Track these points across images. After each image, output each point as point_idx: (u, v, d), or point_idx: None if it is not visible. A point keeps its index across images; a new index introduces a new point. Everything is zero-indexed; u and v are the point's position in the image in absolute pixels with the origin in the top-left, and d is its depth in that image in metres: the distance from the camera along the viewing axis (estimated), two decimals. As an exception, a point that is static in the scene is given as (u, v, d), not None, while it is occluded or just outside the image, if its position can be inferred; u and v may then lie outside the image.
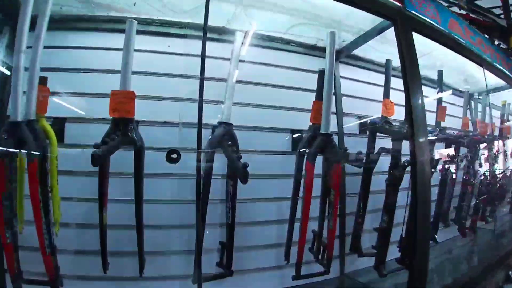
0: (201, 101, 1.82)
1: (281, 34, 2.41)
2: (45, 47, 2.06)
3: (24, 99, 1.75)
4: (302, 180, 2.12)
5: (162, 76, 2.17)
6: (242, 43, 2.10)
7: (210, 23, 1.97)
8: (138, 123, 2.00)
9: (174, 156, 1.66)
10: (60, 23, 2.12)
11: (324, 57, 2.25)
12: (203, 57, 1.86)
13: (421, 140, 2.07)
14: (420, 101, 2.12)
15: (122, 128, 1.78)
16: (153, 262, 2.02)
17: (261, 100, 2.27)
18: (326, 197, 2.12)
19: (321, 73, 2.16)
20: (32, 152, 1.67)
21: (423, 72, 2.29)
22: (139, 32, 2.02)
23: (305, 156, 2.06)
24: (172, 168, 1.98)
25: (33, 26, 1.76)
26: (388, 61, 2.46)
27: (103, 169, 1.77)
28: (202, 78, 1.85)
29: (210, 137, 1.95)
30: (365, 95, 2.73)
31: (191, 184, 2.01)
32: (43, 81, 1.89)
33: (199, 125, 1.77)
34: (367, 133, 2.50)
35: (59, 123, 2.03)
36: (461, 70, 3.34)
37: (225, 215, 2.04)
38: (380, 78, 2.60)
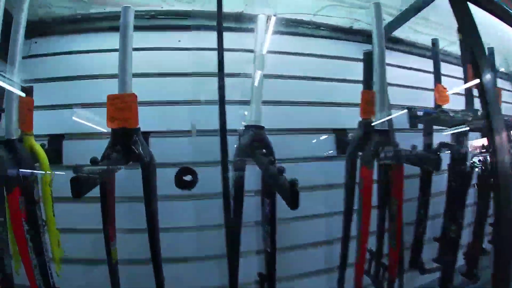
0: (222, 100, 1.30)
1: (310, 17, 1.84)
2: (36, 55, 1.66)
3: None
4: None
5: (173, 77, 1.65)
6: (265, 29, 1.55)
7: (225, 9, 1.46)
8: (149, 135, 1.53)
9: (188, 178, 1.10)
10: (51, 26, 1.67)
11: (362, 42, 1.74)
12: (220, 50, 1.36)
13: (499, 128, 1.47)
14: (491, 79, 1.51)
15: (125, 141, 1.28)
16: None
17: (292, 96, 1.70)
18: (385, 208, 1.55)
19: (367, 56, 1.58)
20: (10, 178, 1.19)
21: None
22: (142, 28, 1.58)
23: (359, 160, 1.49)
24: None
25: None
26: (435, 40, 1.89)
27: (105, 194, 1.30)
28: (221, 75, 1.33)
29: (236, 145, 1.43)
30: (410, 82, 2.07)
31: (217, 206, 1.50)
32: (26, 91, 1.42)
33: (223, 131, 1.25)
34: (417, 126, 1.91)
35: (55, 142, 1.57)
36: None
37: (262, 241, 1.51)
38: (423, 63, 2.03)
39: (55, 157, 1.54)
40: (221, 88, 1.36)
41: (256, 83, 1.49)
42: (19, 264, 1.38)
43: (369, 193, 1.45)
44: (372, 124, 1.48)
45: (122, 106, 1.32)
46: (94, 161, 1.09)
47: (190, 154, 1.51)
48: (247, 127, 1.44)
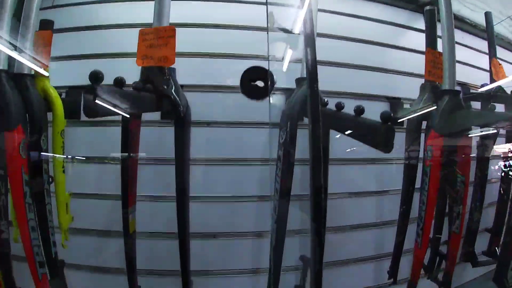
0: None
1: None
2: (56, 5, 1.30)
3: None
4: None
5: (215, 28, 1.25)
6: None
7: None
8: (182, 87, 1.16)
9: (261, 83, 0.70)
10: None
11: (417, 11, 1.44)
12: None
13: None
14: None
15: (156, 81, 0.91)
16: (204, 285, 1.15)
17: (344, 58, 1.31)
18: (448, 187, 1.18)
19: (429, 13, 1.22)
20: (11, 112, 0.83)
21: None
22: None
23: (426, 126, 1.11)
24: (237, 151, 1.15)
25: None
26: (487, 14, 1.53)
27: (127, 142, 0.94)
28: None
29: (287, 102, 1.07)
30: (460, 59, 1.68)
31: (257, 173, 1.16)
32: (46, 25, 1.08)
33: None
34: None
35: (74, 95, 1.18)
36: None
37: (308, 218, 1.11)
38: (474, 41, 1.65)
39: (73, 111, 1.13)
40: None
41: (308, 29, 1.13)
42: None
43: (437, 163, 1.06)
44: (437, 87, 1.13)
45: (156, 43, 0.97)
46: (119, 82, 0.75)
47: (232, 113, 1.16)
48: (299, 80, 1.07)
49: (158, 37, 0.96)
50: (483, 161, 1.36)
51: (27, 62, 0.94)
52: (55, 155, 1.01)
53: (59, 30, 1.20)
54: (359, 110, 0.71)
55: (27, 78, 0.92)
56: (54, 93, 1.00)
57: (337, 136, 1.25)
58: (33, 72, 0.96)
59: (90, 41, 1.23)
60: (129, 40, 1.09)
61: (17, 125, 0.86)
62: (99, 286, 1.12)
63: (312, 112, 0.65)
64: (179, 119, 0.93)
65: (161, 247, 1.12)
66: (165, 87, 0.91)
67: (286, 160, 0.97)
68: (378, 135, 0.65)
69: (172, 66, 0.95)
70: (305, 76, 1.04)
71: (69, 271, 1.05)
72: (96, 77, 0.67)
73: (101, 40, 1.23)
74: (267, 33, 0.84)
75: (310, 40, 0.70)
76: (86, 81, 1.10)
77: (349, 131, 0.88)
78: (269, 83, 0.65)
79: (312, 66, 0.69)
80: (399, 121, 1.13)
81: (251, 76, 0.64)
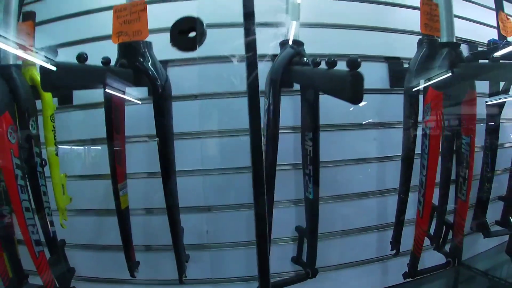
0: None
1: None
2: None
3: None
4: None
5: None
6: None
7: None
8: (167, 64, 1.11)
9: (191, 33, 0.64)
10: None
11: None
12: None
13: None
14: None
15: (131, 56, 0.89)
16: (199, 258, 1.13)
17: (336, 19, 1.19)
18: (452, 150, 1.08)
19: None
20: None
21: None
22: None
23: (423, 82, 0.97)
24: (228, 122, 1.10)
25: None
26: None
27: (111, 124, 0.90)
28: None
29: (272, 66, 0.99)
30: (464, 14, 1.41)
31: (243, 144, 1.10)
32: (28, 16, 1.08)
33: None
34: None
35: None
36: None
37: (303, 187, 1.04)
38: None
39: (64, 97, 1.17)
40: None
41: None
42: None
43: (438, 124, 0.96)
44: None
45: (130, 18, 0.95)
46: (80, 58, 0.70)
47: (215, 85, 1.10)
48: (283, 43, 0.99)
49: (131, 12, 0.92)
50: (493, 122, 1.21)
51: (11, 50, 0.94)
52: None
53: (44, 22, 1.21)
54: (331, 63, 0.63)
55: (13, 68, 0.92)
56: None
57: (351, 108, 1.19)
58: (20, 63, 0.97)
59: (75, 28, 1.19)
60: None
61: (4, 112, 0.87)
62: (101, 263, 1.14)
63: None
64: (157, 92, 0.89)
65: (157, 222, 1.10)
66: (141, 60, 0.88)
67: (271, 128, 0.92)
68: (345, 84, 0.56)
69: (148, 40, 0.92)
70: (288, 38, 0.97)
71: (71, 251, 1.09)
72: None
73: (85, 25, 1.20)
74: None
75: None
76: None
77: (319, 87, 0.80)
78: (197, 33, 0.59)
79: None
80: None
81: (182, 27, 0.58)
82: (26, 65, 0.99)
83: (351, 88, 0.55)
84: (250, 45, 0.59)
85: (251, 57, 0.58)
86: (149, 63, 0.89)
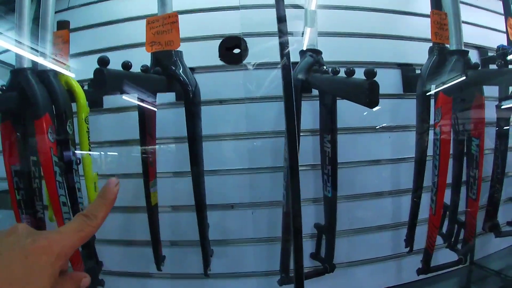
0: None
1: None
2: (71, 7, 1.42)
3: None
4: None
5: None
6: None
7: None
8: (193, 71, 1.23)
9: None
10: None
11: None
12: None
13: None
14: None
15: (164, 64, 1.00)
16: (223, 254, 1.24)
17: (351, 28, 1.31)
18: (463, 152, 1.19)
19: None
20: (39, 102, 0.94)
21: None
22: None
23: (434, 88, 1.08)
24: (249, 125, 1.22)
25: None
26: None
27: (144, 126, 1.03)
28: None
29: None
30: (474, 20, 1.53)
31: (269, 146, 1.23)
32: (62, 25, 1.21)
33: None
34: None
35: None
36: None
37: (322, 187, 1.16)
38: (488, 2, 1.56)
39: (95, 101, 1.29)
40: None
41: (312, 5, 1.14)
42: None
43: (447, 127, 1.06)
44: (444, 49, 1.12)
45: (162, 29, 1.07)
46: (125, 65, 0.81)
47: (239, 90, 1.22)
48: (303, 52, 1.11)
49: (163, 24, 1.05)
50: (503, 125, 1.31)
51: (48, 63, 1.07)
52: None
53: (75, 29, 1.35)
54: (349, 72, 0.75)
55: (50, 73, 1.04)
56: (76, 84, 1.11)
57: (365, 113, 1.30)
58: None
59: (104, 36, 1.34)
60: (139, 31, 1.21)
61: (45, 114, 0.98)
62: (128, 258, 1.25)
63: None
64: (188, 98, 1.01)
65: (183, 219, 1.22)
66: (173, 68, 1.00)
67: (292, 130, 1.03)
68: (362, 91, 0.68)
69: (179, 49, 1.04)
70: (306, 48, 1.09)
71: (100, 246, 1.17)
72: (102, 61, 0.76)
73: (114, 34, 1.34)
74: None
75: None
76: None
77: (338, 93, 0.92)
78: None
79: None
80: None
81: (227, 44, 0.70)
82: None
83: (368, 94, 0.67)
84: (284, 52, 0.70)
85: (286, 66, 0.69)
86: (181, 71, 1.01)
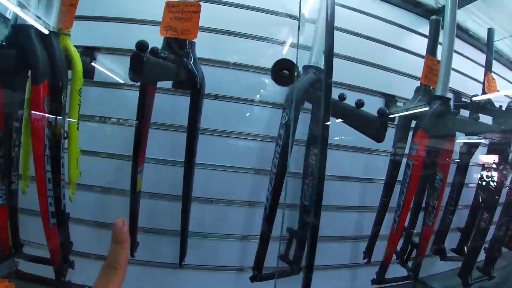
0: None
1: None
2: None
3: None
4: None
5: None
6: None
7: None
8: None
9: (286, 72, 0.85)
10: None
11: (423, 16, 1.60)
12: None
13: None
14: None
15: (177, 53, 1.03)
16: (199, 246, 1.30)
17: (346, 51, 1.44)
18: (426, 183, 1.36)
19: (435, 22, 1.39)
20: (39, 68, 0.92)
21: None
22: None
23: (414, 125, 1.29)
24: (239, 125, 1.29)
25: None
26: (490, 29, 1.70)
27: (143, 106, 1.03)
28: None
29: (292, 85, 1.16)
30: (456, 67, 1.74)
31: (255, 148, 1.32)
32: None
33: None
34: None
35: (89, 54, 1.28)
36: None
37: (300, 194, 1.27)
38: (473, 52, 1.83)
39: (87, 71, 1.21)
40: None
41: (319, 26, 1.22)
42: (27, 182, 1.11)
43: (420, 160, 1.24)
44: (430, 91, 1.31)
45: (181, 16, 1.06)
46: (154, 52, 0.81)
47: (239, 90, 1.29)
48: (306, 67, 1.20)
49: (183, 11, 1.07)
50: (463, 166, 1.55)
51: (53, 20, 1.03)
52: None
53: None
54: (360, 104, 0.87)
55: (53, 35, 1.00)
56: (75, 52, 1.09)
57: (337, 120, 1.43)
58: (57, 30, 1.05)
59: (109, 4, 1.31)
60: (149, 8, 1.22)
61: (44, 81, 0.95)
62: (100, 240, 1.23)
63: (325, 103, 0.79)
64: (196, 90, 1.05)
65: (162, 208, 1.26)
66: (185, 59, 1.03)
67: (286, 139, 1.13)
68: (373, 127, 0.80)
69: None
70: (311, 64, 1.19)
71: (72, 225, 1.16)
72: (142, 46, 0.78)
73: (120, 4, 1.32)
74: (298, 28, 0.99)
75: (330, 34, 0.83)
76: (100, 43, 1.25)
77: (348, 121, 1.04)
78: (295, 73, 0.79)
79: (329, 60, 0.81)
80: (391, 116, 1.29)
81: (280, 66, 0.78)
82: (62, 34, 1.07)
83: (378, 130, 0.79)
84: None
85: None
86: (191, 62, 1.04)
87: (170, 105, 1.25)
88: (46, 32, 0.98)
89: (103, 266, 0.37)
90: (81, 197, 1.18)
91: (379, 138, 0.81)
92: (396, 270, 1.45)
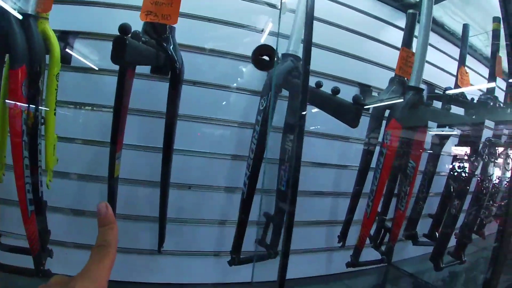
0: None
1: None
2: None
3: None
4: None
5: None
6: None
7: None
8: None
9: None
10: None
11: (400, 10, 1.66)
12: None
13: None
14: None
15: (156, 37, 1.05)
16: (177, 232, 1.32)
17: (323, 41, 1.48)
18: (399, 171, 1.46)
19: (411, 16, 1.47)
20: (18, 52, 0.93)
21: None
22: None
23: (388, 114, 1.36)
24: (217, 112, 1.32)
25: None
26: (465, 25, 1.80)
27: (122, 91, 1.02)
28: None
29: (270, 72, 1.23)
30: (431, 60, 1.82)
31: (233, 135, 1.36)
32: None
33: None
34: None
35: (66, 39, 1.27)
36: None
37: (277, 180, 1.32)
38: (448, 47, 1.93)
39: (64, 56, 1.21)
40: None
41: (299, 15, 1.27)
42: (3, 171, 1.10)
43: (393, 148, 1.31)
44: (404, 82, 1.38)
45: (161, 1, 1.07)
46: (136, 35, 0.85)
47: (218, 76, 1.32)
48: (285, 55, 1.24)
49: (162, -4, 1.09)
50: (435, 155, 1.65)
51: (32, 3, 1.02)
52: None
53: None
54: (336, 91, 0.93)
55: (31, 19, 1.00)
56: (53, 36, 1.09)
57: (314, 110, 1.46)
58: (35, 13, 1.04)
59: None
60: None
61: (22, 65, 0.95)
62: (77, 228, 1.26)
63: (303, 89, 0.84)
64: (175, 75, 1.07)
65: (140, 194, 1.28)
66: (165, 44, 1.06)
67: (263, 125, 1.17)
68: (349, 113, 0.86)
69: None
70: (289, 52, 1.24)
71: (49, 213, 1.17)
72: (124, 29, 0.80)
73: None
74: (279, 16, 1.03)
75: (309, 25, 0.88)
76: (79, 27, 1.25)
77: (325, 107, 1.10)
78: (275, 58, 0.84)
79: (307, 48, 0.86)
80: (366, 107, 1.36)
81: (261, 51, 0.81)
82: (40, 18, 1.06)
83: (353, 117, 0.84)
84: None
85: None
86: (171, 47, 1.06)
87: (147, 91, 1.26)
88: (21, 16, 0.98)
89: (93, 248, 0.36)
90: (57, 185, 1.19)
91: (354, 124, 0.87)
92: (369, 254, 1.55)
